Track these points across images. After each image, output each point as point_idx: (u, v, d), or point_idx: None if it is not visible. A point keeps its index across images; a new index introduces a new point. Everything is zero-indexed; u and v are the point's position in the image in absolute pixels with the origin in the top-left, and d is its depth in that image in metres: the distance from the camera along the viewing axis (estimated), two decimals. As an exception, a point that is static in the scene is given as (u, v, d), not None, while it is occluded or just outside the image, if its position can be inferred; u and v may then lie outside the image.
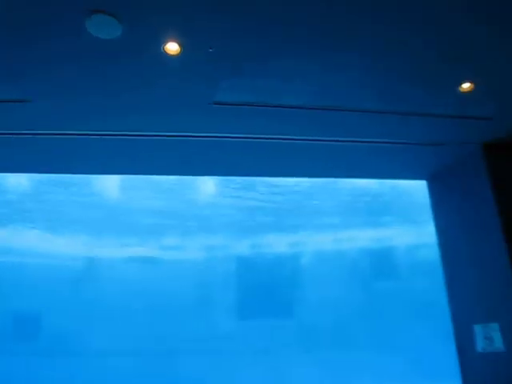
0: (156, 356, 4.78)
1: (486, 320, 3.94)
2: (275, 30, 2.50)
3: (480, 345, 3.97)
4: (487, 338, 3.88)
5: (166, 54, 2.63)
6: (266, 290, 5.41)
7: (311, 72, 2.93)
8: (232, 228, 5.60)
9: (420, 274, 5.48)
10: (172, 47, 2.59)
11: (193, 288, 5.27)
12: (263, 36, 2.54)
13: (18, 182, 5.19)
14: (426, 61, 2.91)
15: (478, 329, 4.01)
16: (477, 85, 3.24)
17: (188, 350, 4.84)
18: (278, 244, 5.66)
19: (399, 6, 2.38)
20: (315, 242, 5.69)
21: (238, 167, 4.52)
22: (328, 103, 3.30)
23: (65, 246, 5.14)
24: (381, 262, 5.69)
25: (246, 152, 4.05)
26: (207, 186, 5.62)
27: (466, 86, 3.26)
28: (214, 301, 5.29)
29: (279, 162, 4.29)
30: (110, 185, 5.38)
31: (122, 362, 4.64)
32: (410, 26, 2.56)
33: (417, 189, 5.03)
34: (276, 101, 3.29)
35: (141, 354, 4.76)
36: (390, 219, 5.77)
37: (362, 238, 5.68)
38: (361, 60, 2.83)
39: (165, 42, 2.54)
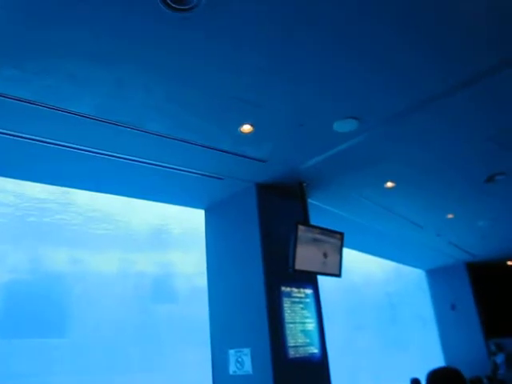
0: None
1: (239, 345, 4.25)
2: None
3: (232, 368, 4.25)
4: (239, 361, 4.18)
5: None
6: (38, 308, 4.82)
7: (98, 81, 2.80)
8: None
9: (196, 300, 5.65)
10: None
11: None
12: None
13: None
14: (214, 96, 3.07)
15: (231, 353, 4.29)
16: (256, 128, 3.57)
17: None
18: (56, 260, 5.13)
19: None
20: (98, 262, 5.38)
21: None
22: (112, 117, 3.16)
23: None
24: (161, 287, 5.69)
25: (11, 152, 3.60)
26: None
27: (246, 127, 3.56)
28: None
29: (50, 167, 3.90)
30: None
31: None
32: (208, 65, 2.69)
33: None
34: (59, 104, 3.03)
35: None
36: (173, 246, 5.84)
37: (145, 262, 5.60)
38: (144, 80, 2.82)
39: None
